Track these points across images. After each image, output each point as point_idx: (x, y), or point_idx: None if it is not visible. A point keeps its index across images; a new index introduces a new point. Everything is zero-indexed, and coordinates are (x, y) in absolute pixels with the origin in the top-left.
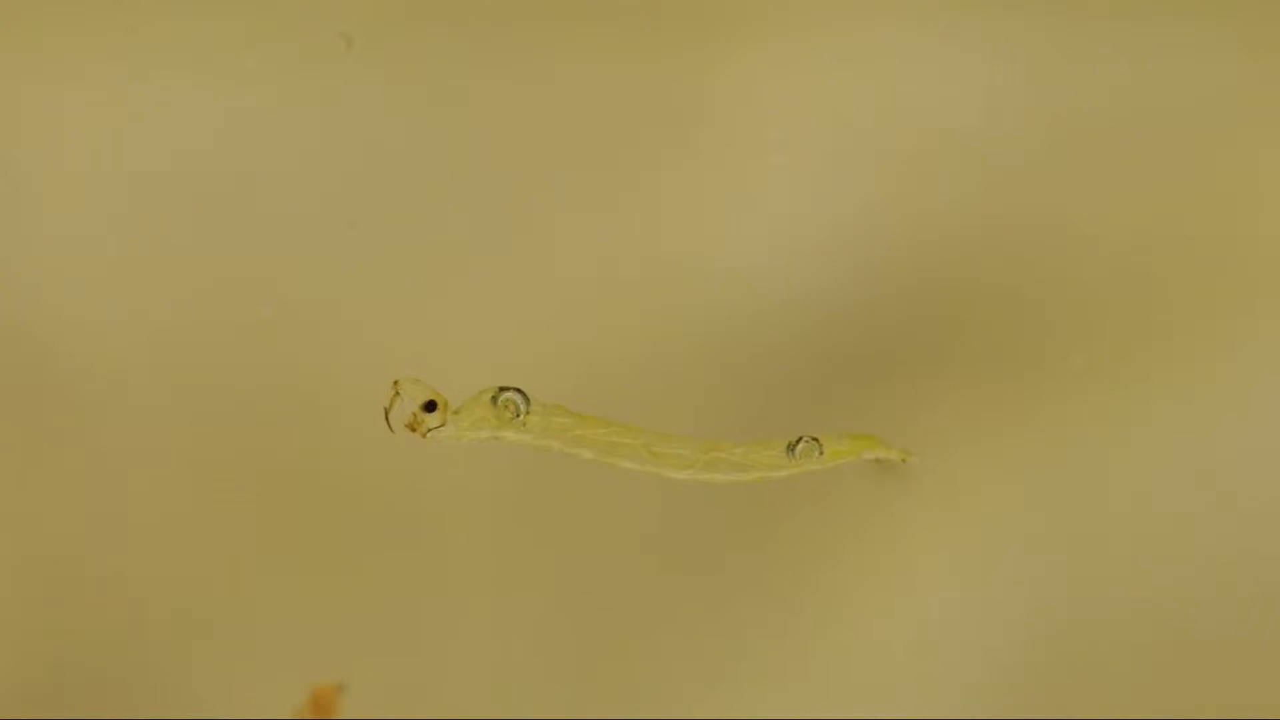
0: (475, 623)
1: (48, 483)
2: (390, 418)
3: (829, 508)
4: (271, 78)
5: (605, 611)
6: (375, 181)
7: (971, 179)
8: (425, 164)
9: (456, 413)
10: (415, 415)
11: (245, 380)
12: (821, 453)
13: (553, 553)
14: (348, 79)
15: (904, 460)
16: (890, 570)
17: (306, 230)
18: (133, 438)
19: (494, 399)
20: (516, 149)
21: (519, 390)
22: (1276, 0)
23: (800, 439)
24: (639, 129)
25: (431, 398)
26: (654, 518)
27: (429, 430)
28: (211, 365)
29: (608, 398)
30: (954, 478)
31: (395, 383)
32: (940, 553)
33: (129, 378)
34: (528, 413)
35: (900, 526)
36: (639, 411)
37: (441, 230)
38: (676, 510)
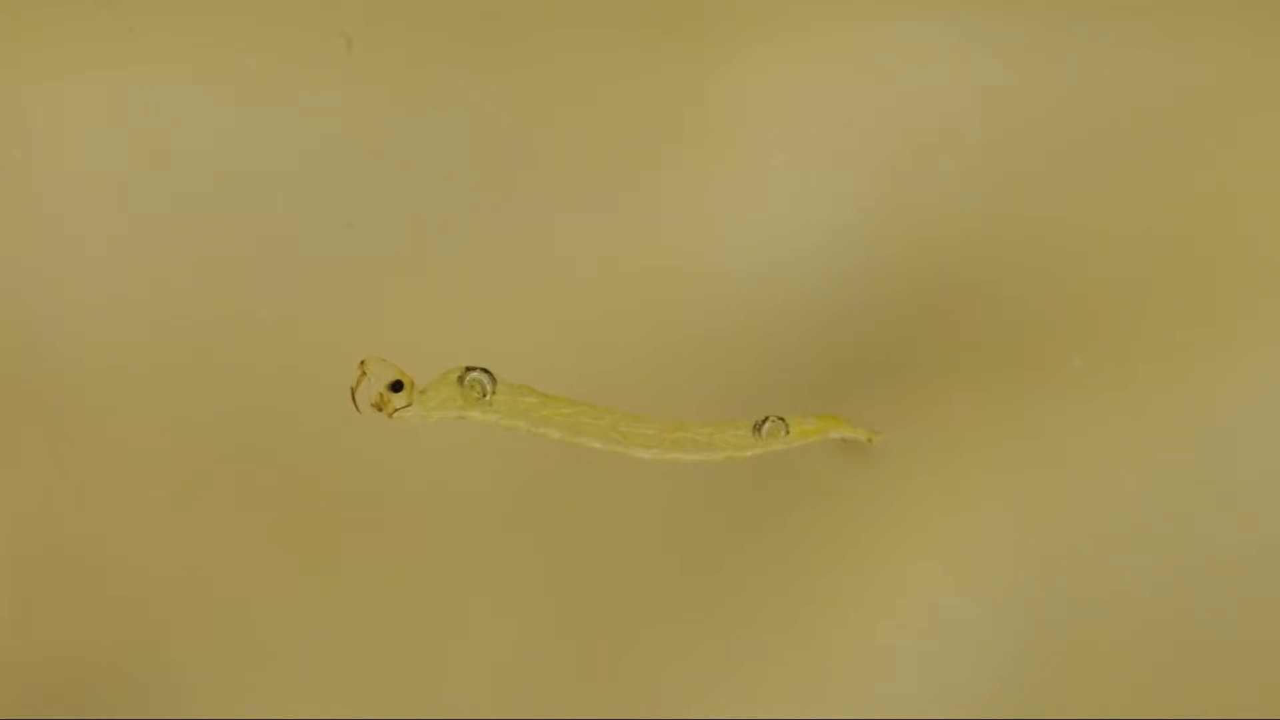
0: (475, 623)
1: (48, 483)
2: (357, 397)
3: (829, 510)
4: (272, 78)
5: (605, 612)
6: (375, 181)
7: (971, 179)
8: (425, 164)
9: (423, 393)
10: (382, 395)
11: (244, 380)
12: (788, 432)
13: (552, 553)
14: (348, 79)
15: (870, 440)
16: (890, 571)
17: (306, 230)
18: (133, 438)
19: (460, 379)
20: (516, 149)
21: (485, 370)
22: (1276, 0)
23: (766, 419)
24: (639, 129)
25: (398, 378)
26: (654, 519)
27: (395, 410)
28: (211, 365)
29: (607, 397)
30: (954, 478)
31: (362, 362)
32: (940, 553)
33: (129, 378)
34: (494, 392)
35: (900, 527)
36: (638, 410)
37: (441, 230)
38: (677, 512)
